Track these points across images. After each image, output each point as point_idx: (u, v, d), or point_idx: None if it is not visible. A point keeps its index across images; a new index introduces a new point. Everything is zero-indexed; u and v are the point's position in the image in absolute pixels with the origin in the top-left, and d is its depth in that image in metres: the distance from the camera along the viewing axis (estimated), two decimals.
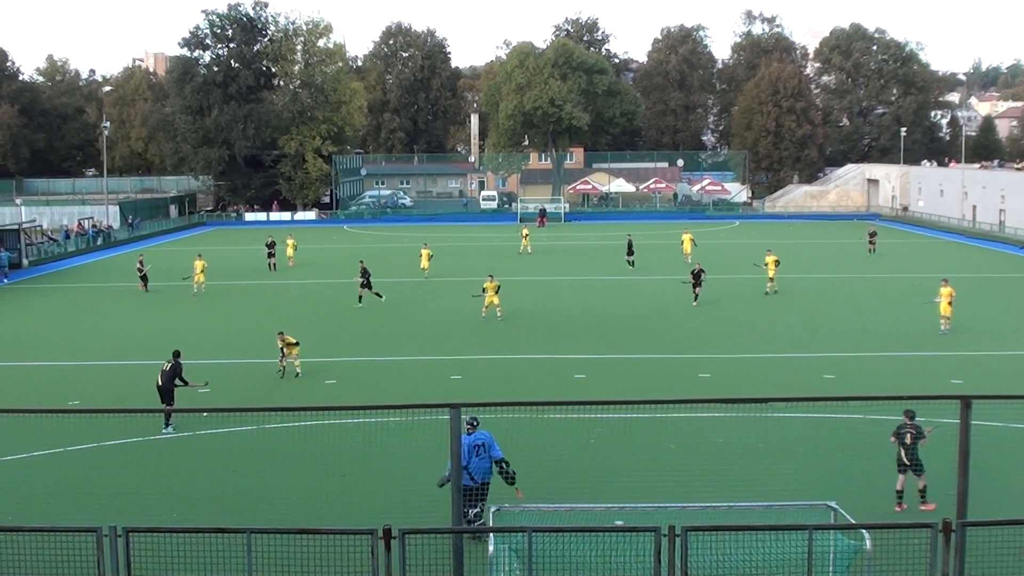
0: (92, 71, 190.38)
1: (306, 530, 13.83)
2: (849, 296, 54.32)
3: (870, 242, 76.74)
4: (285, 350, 35.41)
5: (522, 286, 57.00)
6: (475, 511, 18.46)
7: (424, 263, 63.03)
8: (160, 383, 29.18)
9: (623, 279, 61.36)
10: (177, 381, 29.26)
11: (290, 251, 70.64)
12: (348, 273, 56.72)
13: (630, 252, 67.28)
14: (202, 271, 57.59)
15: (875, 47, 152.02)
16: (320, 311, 50.74)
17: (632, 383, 34.08)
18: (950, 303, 42.60)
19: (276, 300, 54.05)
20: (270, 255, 69.68)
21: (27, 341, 44.25)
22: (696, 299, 50.45)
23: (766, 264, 54.59)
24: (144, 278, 58.96)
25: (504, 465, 19.48)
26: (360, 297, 51.62)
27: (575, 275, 63.31)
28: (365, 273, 52.28)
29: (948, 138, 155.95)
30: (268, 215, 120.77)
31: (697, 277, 51.14)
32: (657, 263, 68.75)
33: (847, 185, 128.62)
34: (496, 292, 46.98)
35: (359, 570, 13.29)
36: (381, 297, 51.83)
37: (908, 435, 21.46)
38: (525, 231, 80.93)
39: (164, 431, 27.92)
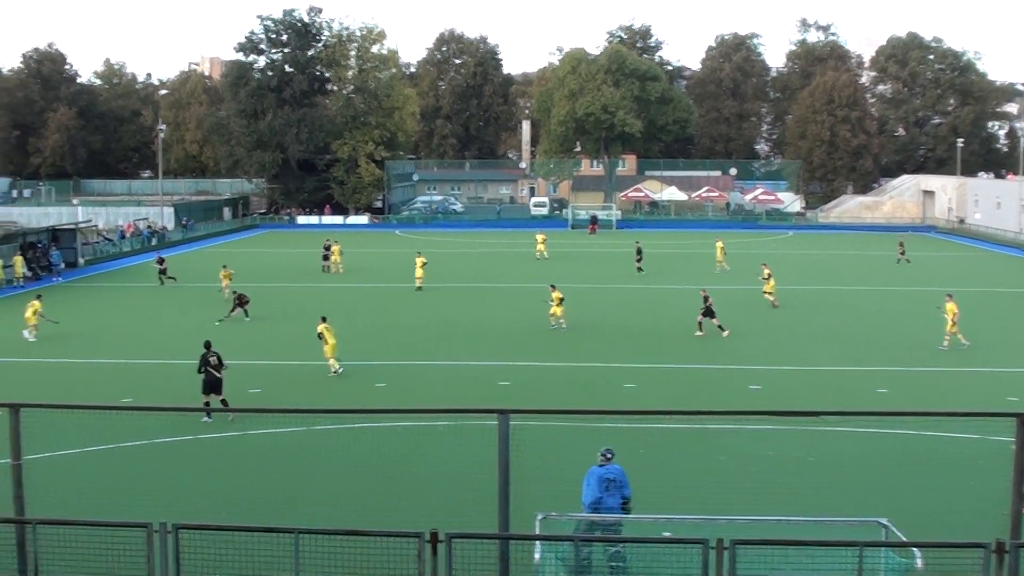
0: (149, 75, 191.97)
1: (354, 531, 13.84)
2: (902, 309, 53.77)
3: (900, 252, 76.68)
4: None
5: (571, 294, 56.86)
6: (614, 550, 15.38)
7: (418, 272, 60.48)
8: (218, 376, 30.08)
9: (672, 287, 61.09)
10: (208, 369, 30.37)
11: (336, 256, 70.40)
12: (399, 278, 56.78)
13: (639, 258, 68.19)
14: (227, 278, 57.47)
15: (932, 56, 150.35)
16: (370, 314, 50.85)
17: (682, 393, 33.91)
18: (954, 321, 41.57)
19: (326, 303, 54.19)
20: (325, 258, 70.29)
21: (81, 339, 44.76)
22: (722, 329, 44.99)
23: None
24: (163, 272, 61.78)
25: (628, 505, 17.86)
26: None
27: (623, 283, 63.04)
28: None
29: (1006, 149, 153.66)
30: (320, 219, 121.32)
31: (707, 305, 45.52)
32: (707, 273, 68.38)
33: (902, 196, 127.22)
34: (559, 304, 46.59)
35: (405, 573, 13.29)
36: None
37: None
38: (540, 236, 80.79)
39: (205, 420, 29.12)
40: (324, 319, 37.32)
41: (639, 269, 67.35)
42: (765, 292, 53.21)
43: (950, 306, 41.86)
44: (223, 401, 29.91)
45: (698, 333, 44.98)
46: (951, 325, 41.69)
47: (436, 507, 20.54)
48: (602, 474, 17.74)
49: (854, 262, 77.65)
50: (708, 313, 45.22)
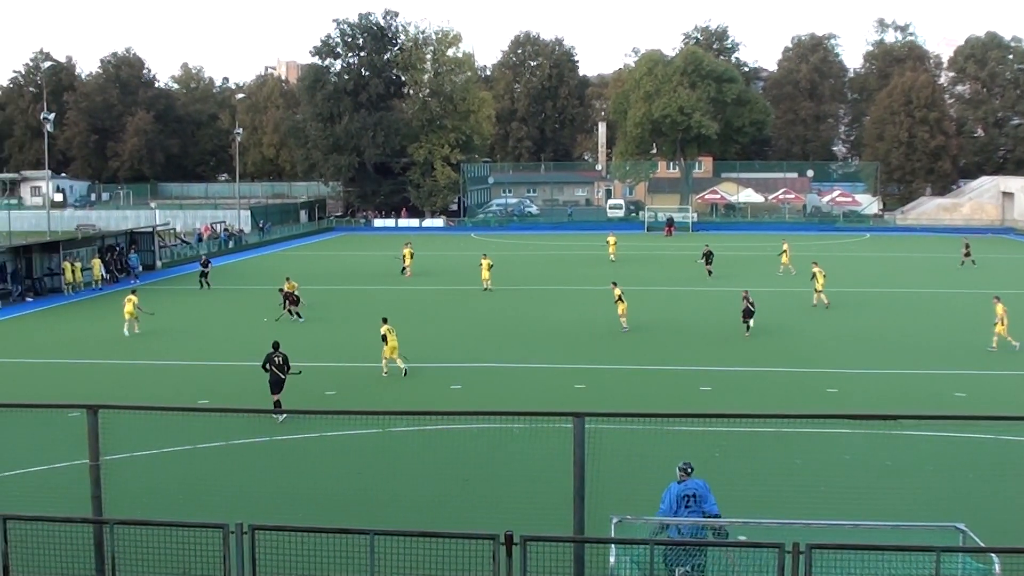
0: (226, 79, 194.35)
1: (428, 533, 13.91)
2: (979, 312, 52.96)
3: (965, 254, 75.82)
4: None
5: (645, 296, 56.75)
6: (682, 570, 14.93)
7: (485, 274, 61.51)
8: (281, 376, 31.06)
9: (749, 289, 60.68)
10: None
11: (407, 260, 70.16)
12: (474, 280, 56.88)
13: (708, 261, 68.21)
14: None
15: (1011, 56, 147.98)
16: (444, 316, 51.08)
17: (757, 396, 33.72)
18: (1002, 322, 41.92)
19: (400, 305, 54.46)
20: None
21: (158, 341, 45.35)
22: (748, 330, 45.94)
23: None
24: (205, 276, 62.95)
25: (718, 528, 16.50)
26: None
27: (697, 285, 62.74)
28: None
29: None
30: (396, 221, 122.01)
31: (747, 310, 46.40)
32: (777, 276, 67.91)
33: (981, 198, 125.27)
34: (618, 300, 46.76)
35: (480, 575, 13.35)
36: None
37: None
38: (611, 238, 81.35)
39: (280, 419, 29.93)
40: (385, 320, 37.63)
41: (709, 273, 67.16)
42: (816, 291, 53.16)
43: (998, 308, 42.26)
44: (277, 402, 30.57)
45: (746, 334, 45.59)
46: (1000, 326, 41.87)
47: (511, 509, 20.58)
48: (680, 491, 17.01)
49: (931, 265, 76.63)
50: (747, 313, 46.10)
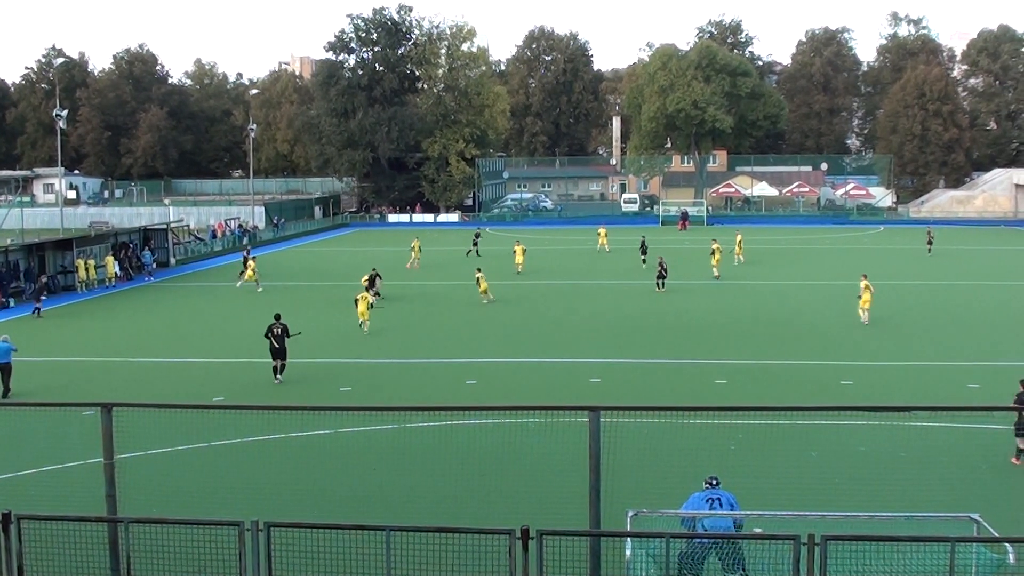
0: (239, 74, 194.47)
1: (444, 528, 13.94)
2: (994, 304, 52.96)
3: (928, 243, 78.99)
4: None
5: (652, 289, 56.77)
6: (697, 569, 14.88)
7: (519, 258, 67.70)
8: (277, 345, 34.95)
9: (759, 283, 60.72)
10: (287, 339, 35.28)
11: (415, 253, 71.83)
12: (488, 274, 56.84)
13: (643, 252, 71.25)
14: (252, 271, 61.38)
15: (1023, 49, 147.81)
16: (458, 310, 51.11)
17: (773, 388, 33.72)
18: (864, 297, 46.22)
19: (417, 299, 54.46)
20: (475, 243, 79.19)
21: (173, 338, 45.49)
22: (660, 286, 56.76)
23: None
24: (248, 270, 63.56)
25: (738, 528, 16.43)
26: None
27: (710, 279, 62.67)
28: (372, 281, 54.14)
29: None
30: (411, 217, 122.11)
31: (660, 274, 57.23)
32: (795, 268, 67.92)
33: (994, 190, 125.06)
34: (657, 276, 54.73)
35: (496, 570, 13.37)
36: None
37: None
38: (602, 230, 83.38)
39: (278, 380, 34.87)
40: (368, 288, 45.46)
41: (644, 262, 69.55)
42: (861, 308, 49.93)
43: (862, 284, 46.78)
44: (281, 366, 35.09)
45: (659, 290, 56.47)
46: (863, 300, 46.24)
47: (527, 504, 20.64)
48: (704, 496, 16.66)
49: (943, 257, 76.52)
50: (660, 276, 57.16)
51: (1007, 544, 13.91)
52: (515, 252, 68.06)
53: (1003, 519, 16.83)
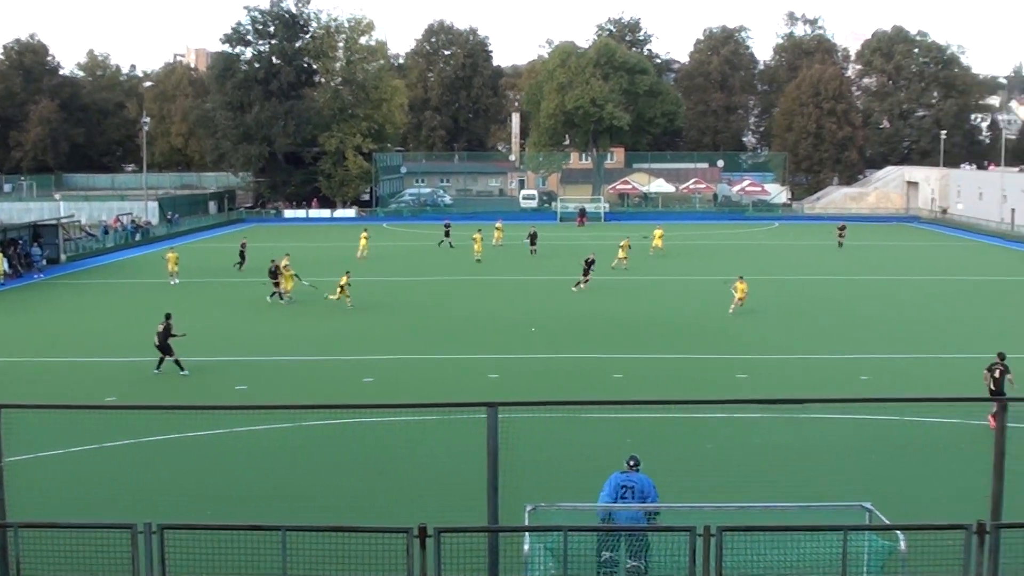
0: (133, 66, 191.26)
1: (341, 528, 13.83)
2: (884, 298, 54.05)
3: (840, 235, 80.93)
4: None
5: (556, 286, 56.99)
6: (608, 555, 14.99)
7: (478, 247, 71.60)
8: (157, 342, 35.57)
9: (656, 279, 61.27)
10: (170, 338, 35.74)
11: (363, 243, 74.07)
12: (388, 271, 56.65)
13: (532, 243, 74.76)
14: (174, 263, 61.25)
15: (916, 50, 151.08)
16: (358, 308, 50.74)
17: (669, 383, 34.03)
18: (741, 297, 47.64)
19: (313, 297, 53.97)
20: (446, 234, 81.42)
21: (64, 337, 44.56)
22: (580, 285, 55.81)
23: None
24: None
25: (654, 519, 16.47)
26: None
27: (608, 275, 63.06)
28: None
29: (988, 141, 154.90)
30: (308, 212, 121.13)
31: (589, 264, 56.54)
32: (690, 264, 68.65)
33: (887, 187, 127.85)
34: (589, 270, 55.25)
35: (394, 568, 13.30)
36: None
37: (998, 370, 28.18)
38: (499, 224, 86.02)
39: (155, 371, 35.65)
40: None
41: (532, 252, 74.04)
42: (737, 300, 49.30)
43: (741, 286, 47.86)
44: (161, 360, 35.80)
45: (575, 288, 55.56)
46: (737, 296, 47.71)
47: (426, 502, 20.57)
48: (621, 481, 16.96)
49: (835, 252, 77.88)
50: (585, 271, 56.24)
51: (898, 531, 14.18)
52: (475, 241, 71.78)
53: (894, 507, 17.13)
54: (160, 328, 35.70)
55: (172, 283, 59.03)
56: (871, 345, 40.77)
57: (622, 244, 67.25)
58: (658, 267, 67.07)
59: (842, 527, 13.49)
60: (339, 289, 50.11)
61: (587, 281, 55.96)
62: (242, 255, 65.54)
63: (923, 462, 23.80)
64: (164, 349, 35.62)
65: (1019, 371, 29.55)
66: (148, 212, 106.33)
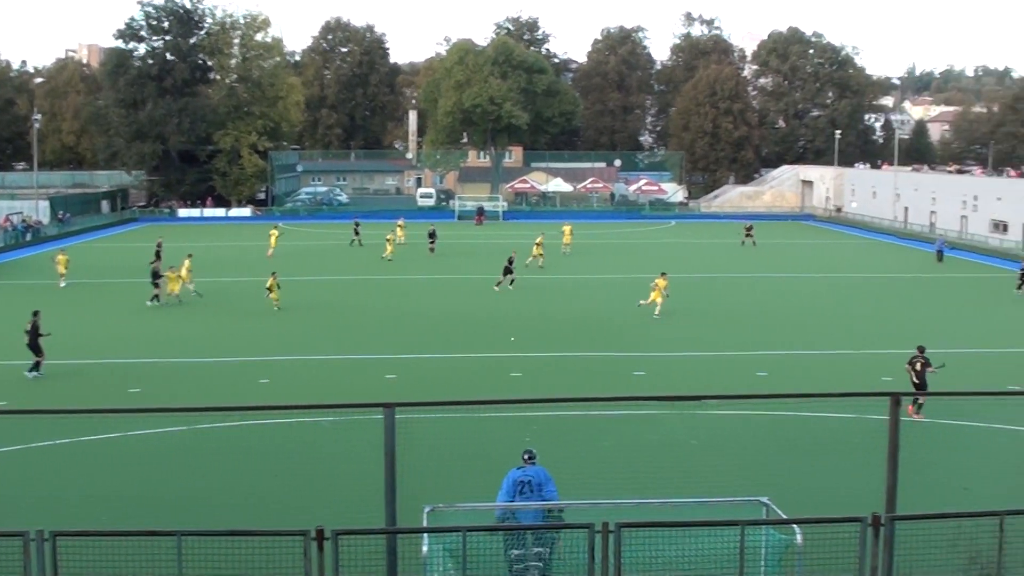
0: (23, 62, 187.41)
1: (237, 532, 13.63)
2: (781, 295, 54.84)
3: (747, 235, 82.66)
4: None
5: (458, 284, 56.95)
6: (516, 552, 14.67)
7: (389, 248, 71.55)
8: (28, 340, 35.09)
9: (553, 278, 61.48)
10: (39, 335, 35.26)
11: (273, 240, 73.67)
12: (293, 271, 56.07)
13: (432, 239, 76.22)
14: (64, 265, 59.65)
15: (812, 51, 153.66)
16: (250, 310, 50.18)
17: (567, 380, 34.18)
18: (661, 296, 47.53)
19: (213, 297, 53.26)
20: (356, 233, 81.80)
21: None
22: (506, 284, 55.70)
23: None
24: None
25: (556, 512, 16.20)
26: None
27: (520, 273, 63.10)
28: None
29: (882, 141, 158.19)
30: (202, 211, 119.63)
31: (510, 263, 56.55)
32: (588, 263, 69.01)
33: (782, 186, 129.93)
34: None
35: (292, 572, 13.12)
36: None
37: (919, 363, 29.73)
38: (400, 222, 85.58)
39: (30, 374, 35.01)
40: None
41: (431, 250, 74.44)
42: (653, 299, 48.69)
43: (662, 282, 47.95)
44: (36, 363, 35.20)
45: (497, 288, 55.49)
46: (657, 295, 47.56)
47: (323, 504, 20.41)
48: (517, 477, 16.83)
49: (733, 250, 78.89)
50: (506, 271, 56.19)
51: (795, 525, 14.33)
52: (395, 234, 75.09)
53: (791, 501, 17.32)
54: (28, 326, 35.25)
55: (61, 285, 57.75)
56: (768, 342, 41.37)
57: (537, 241, 67.40)
58: (560, 266, 67.29)
59: (740, 522, 13.58)
60: (268, 292, 49.77)
61: (513, 280, 56.07)
62: (158, 255, 63.92)
63: (819, 457, 24.16)
64: (35, 349, 35.09)
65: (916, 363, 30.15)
66: (39, 211, 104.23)
